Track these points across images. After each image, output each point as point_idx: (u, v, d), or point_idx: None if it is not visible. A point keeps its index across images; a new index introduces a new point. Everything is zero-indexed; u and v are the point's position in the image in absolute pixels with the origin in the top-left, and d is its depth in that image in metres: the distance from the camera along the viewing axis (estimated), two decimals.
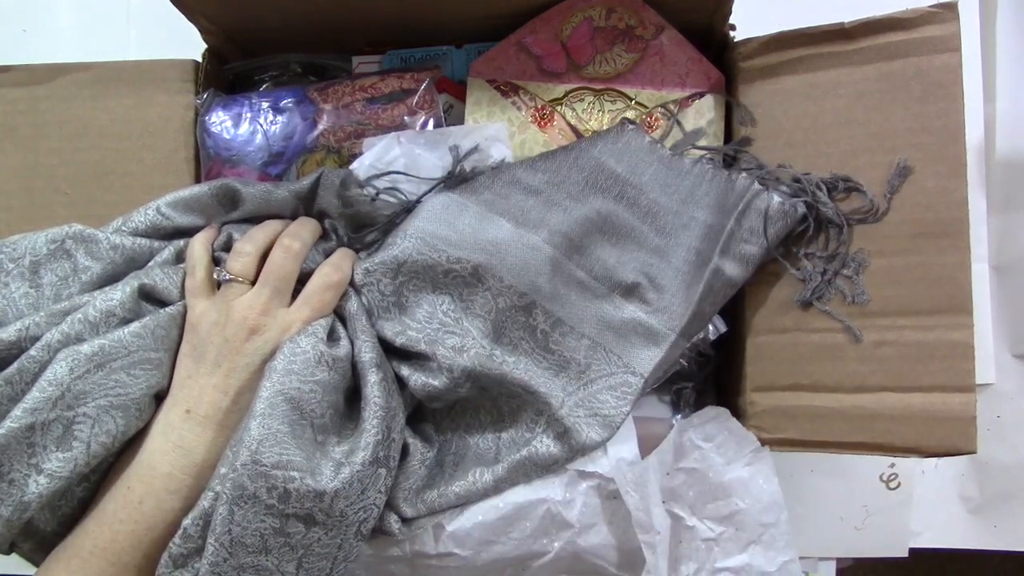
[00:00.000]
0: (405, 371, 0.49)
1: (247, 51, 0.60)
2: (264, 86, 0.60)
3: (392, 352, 0.50)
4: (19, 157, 0.54)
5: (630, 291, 0.51)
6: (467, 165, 0.52)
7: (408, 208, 0.52)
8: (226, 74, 0.60)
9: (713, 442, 0.50)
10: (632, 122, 0.53)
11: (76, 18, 0.72)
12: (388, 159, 0.52)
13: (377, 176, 0.52)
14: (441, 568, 0.49)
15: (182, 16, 0.54)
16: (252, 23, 0.56)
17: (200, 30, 0.56)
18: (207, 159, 0.54)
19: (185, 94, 0.55)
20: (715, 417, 0.51)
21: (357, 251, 0.52)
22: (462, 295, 0.50)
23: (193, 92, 0.55)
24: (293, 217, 0.52)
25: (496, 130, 0.53)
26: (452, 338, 0.49)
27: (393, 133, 0.53)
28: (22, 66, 0.55)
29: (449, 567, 0.49)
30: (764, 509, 0.49)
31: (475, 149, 0.52)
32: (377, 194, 0.52)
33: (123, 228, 0.49)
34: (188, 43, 0.56)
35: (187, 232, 0.50)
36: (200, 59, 0.56)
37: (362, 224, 0.52)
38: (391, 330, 0.49)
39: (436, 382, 0.48)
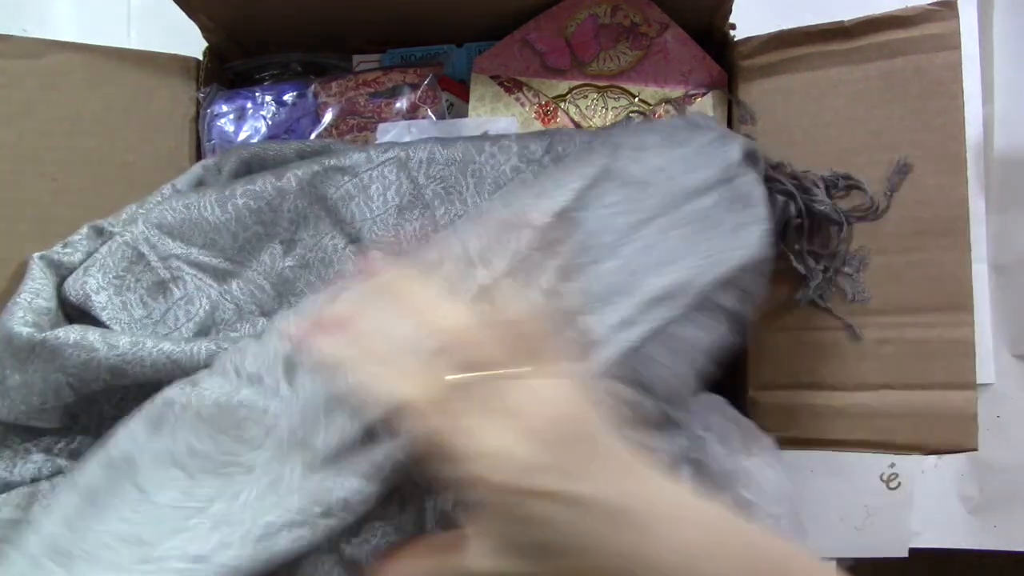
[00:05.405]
0: None
1: (247, 50, 0.60)
2: (265, 84, 0.60)
3: None
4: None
5: None
6: None
7: None
8: (227, 73, 0.60)
9: (712, 431, 0.50)
10: (642, 113, 0.53)
11: (76, 18, 0.72)
12: None
13: None
14: None
15: (182, 16, 0.54)
16: (253, 21, 0.56)
17: (201, 28, 0.56)
18: (209, 152, 0.54)
19: (187, 88, 0.55)
20: (710, 404, 0.51)
21: None
22: None
23: (194, 87, 0.55)
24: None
25: (508, 123, 0.53)
26: None
27: (405, 122, 0.53)
28: (17, 37, 0.53)
29: None
30: (772, 499, 0.49)
31: None
32: None
33: (139, 211, 0.47)
34: (188, 44, 0.56)
35: None
36: (200, 58, 0.56)
37: None
38: None
39: None
